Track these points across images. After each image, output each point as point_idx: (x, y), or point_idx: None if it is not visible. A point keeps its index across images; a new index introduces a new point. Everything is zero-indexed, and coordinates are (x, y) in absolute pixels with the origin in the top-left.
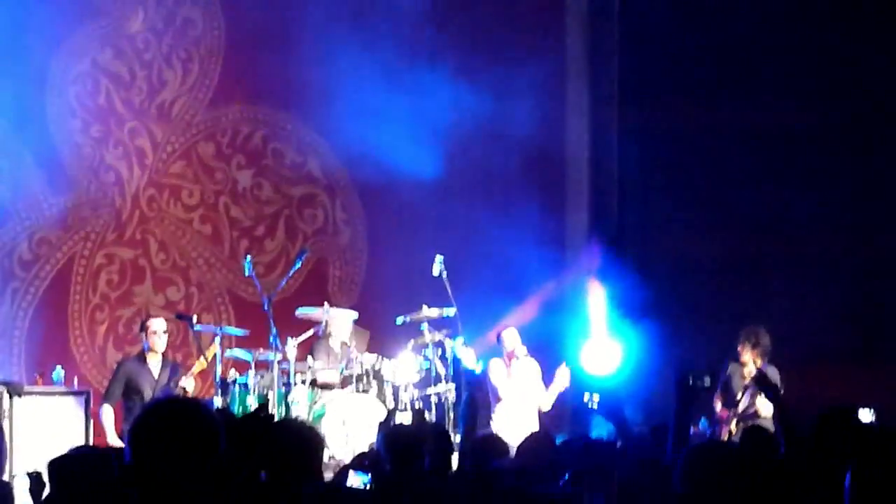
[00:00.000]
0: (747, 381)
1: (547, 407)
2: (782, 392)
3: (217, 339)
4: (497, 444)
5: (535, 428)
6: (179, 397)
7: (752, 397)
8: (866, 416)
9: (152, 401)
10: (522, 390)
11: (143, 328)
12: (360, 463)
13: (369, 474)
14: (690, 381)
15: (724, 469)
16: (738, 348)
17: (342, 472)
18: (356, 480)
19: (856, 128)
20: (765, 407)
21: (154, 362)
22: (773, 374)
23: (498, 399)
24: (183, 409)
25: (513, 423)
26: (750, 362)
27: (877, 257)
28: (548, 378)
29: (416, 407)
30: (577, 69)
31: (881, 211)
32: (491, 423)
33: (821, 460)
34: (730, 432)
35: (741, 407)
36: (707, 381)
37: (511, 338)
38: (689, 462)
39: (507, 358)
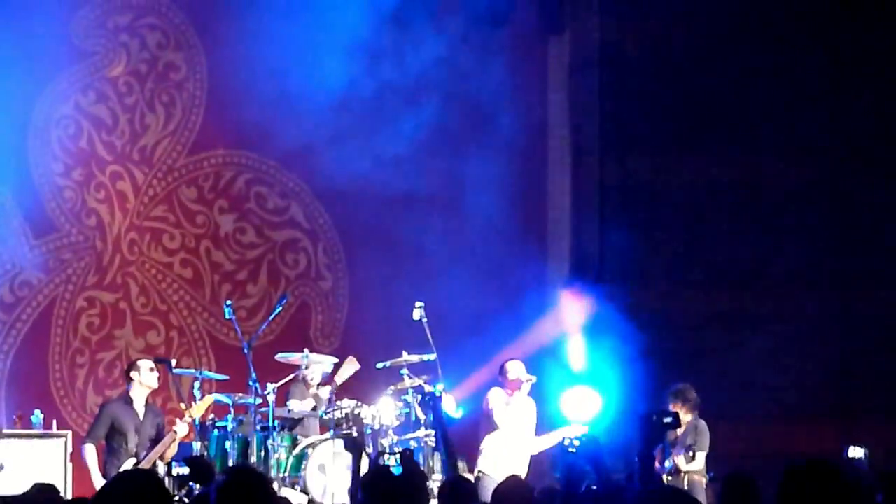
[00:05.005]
0: (679, 437)
1: (535, 451)
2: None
3: (197, 384)
4: (465, 487)
5: (524, 467)
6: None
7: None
8: (857, 452)
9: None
10: (519, 424)
11: (134, 368)
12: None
13: None
14: (654, 419)
15: None
16: (670, 407)
17: None
18: None
19: (835, 182)
20: (683, 462)
21: (139, 404)
22: (703, 429)
23: (493, 428)
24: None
25: (503, 457)
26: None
27: (855, 313)
28: (540, 425)
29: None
30: (557, 123)
31: (860, 266)
32: (480, 457)
33: None
34: None
35: (667, 464)
36: (671, 419)
37: (516, 368)
38: None
39: (509, 389)
